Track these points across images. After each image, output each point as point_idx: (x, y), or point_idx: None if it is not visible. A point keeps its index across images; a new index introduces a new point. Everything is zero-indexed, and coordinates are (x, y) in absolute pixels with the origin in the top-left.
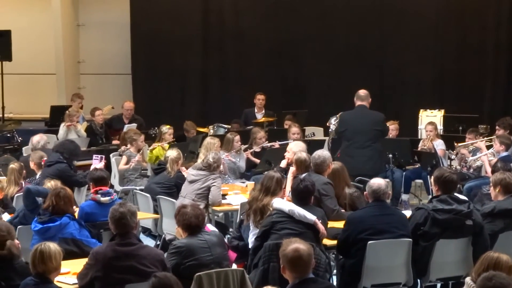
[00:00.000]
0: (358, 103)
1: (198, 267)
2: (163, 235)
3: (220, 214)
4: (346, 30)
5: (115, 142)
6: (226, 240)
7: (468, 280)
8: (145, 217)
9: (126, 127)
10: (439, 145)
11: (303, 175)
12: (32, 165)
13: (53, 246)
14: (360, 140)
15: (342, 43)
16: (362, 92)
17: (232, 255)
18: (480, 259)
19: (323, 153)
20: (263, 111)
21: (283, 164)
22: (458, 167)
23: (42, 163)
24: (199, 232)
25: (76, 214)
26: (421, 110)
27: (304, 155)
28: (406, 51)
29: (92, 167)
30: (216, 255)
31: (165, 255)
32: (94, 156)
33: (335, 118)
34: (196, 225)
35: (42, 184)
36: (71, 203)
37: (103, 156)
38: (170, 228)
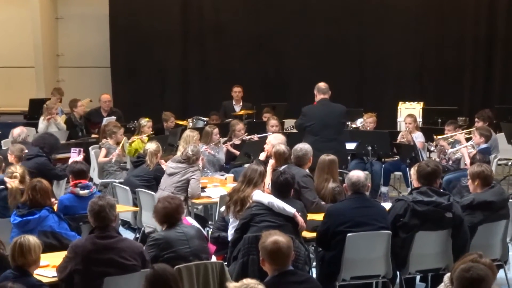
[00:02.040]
0: (320, 96)
1: (176, 259)
2: (142, 228)
3: (200, 207)
4: (326, 23)
5: (94, 135)
6: (205, 232)
7: (446, 278)
8: (124, 210)
9: (105, 120)
10: (418, 138)
11: (283, 167)
12: (11, 158)
13: (32, 239)
14: (328, 133)
15: (322, 36)
16: (323, 85)
17: (212, 247)
18: (462, 259)
19: (305, 146)
20: (241, 103)
21: (262, 156)
22: (438, 159)
23: (23, 155)
24: (177, 224)
25: (54, 207)
26: (400, 102)
27: (283, 147)
28: (386, 44)
29: (70, 160)
30: (194, 247)
31: (144, 247)
32: (73, 149)
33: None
34: (174, 217)
35: None
36: (48, 196)
37: (81, 149)
38: (150, 221)
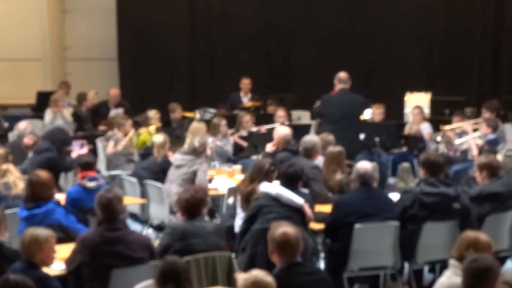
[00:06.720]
0: (340, 86)
1: (186, 252)
2: (149, 220)
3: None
4: (334, 13)
5: (101, 128)
6: None
7: (453, 262)
8: (132, 202)
9: (112, 112)
10: (426, 129)
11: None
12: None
13: (41, 232)
14: (346, 123)
15: (330, 26)
16: (344, 74)
17: None
18: (459, 239)
19: (313, 138)
20: (250, 95)
21: (269, 148)
22: (445, 150)
23: (30, 142)
24: (197, 217)
25: (58, 198)
26: (408, 93)
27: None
28: (393, 34)
29: (74, 154)
30: (208, 244)
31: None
32: (75, 142)
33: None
34: (194, 210)
35: (30, 169)
36: (48, 187)
37: (84, 142)
38: (157, 213)
